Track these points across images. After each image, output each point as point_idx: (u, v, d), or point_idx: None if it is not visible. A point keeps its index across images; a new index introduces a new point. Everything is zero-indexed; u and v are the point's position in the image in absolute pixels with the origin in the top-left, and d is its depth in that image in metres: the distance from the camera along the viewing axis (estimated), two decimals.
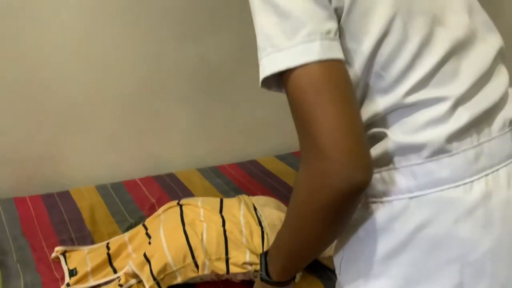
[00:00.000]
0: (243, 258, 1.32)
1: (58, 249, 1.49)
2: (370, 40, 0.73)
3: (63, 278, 1.40)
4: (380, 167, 0.78)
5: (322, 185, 0.68)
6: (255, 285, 0.95)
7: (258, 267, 1.30)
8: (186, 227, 1.37)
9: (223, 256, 1.33)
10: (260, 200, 1.52)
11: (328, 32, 0.69)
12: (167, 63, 2.06)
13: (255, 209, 1.46)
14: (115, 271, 1.41)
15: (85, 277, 1.38)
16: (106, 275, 1.39)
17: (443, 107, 0.75)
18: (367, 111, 0.77)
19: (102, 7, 1.88)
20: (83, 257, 1.46)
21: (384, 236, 0.79)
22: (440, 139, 0.75)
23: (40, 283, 1.38)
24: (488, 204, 0.77)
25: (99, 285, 1.37)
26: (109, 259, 1.44)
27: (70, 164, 2.01)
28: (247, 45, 2.18)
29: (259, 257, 1.26)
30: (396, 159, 0.77)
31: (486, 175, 0.78)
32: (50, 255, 1.49)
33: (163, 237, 1.36)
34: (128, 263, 1.37)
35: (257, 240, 1.34)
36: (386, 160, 0.78)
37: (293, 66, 0.67)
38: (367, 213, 0.80)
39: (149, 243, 1.41)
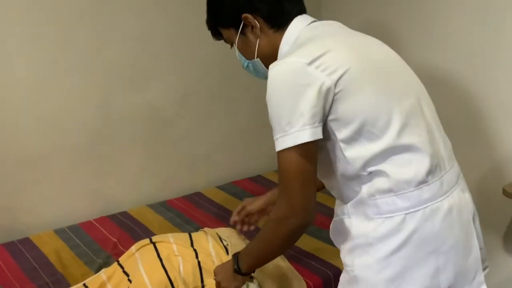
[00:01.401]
0: None
1: None
2: (360, 114, 1.14)
3: None
4: (385, 194, 1.16)
5: (286, 223, 1.18)
6: (226, 272, 1.38)
7: None
8: (164, 262, 1.56)
9: (199, 284, 1.53)
10: (224, 232, 1.74)
11: (314, 123, 1.11)
12: (115, 110, 2.21)
13: (220, 239, 1.68)
14: None
15: None
16: None
17: (418, 153, 1.16)
18: (366, 152, 1.15)
19: (54, 59, 2.01)
20: None
21: (388, 240, 1.16)
22: (422, 175, 1.16)
23: None
24: (451, 214, 1.18)
25: None
26: None
27: (26, 211, 2.09)
28: (187, 90, 2.44)
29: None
30: (396, 188, 1.16)
31: (447, 196, 1.20)
32: None
33: (144, 273, 1.53)
34: None
35: None
36: (389, 190, 1.16)
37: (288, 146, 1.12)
38: (375, 225, 1.18)
39: (129, 280, 1.57)
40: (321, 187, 1.44)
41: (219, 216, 2.24)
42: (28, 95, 2.00)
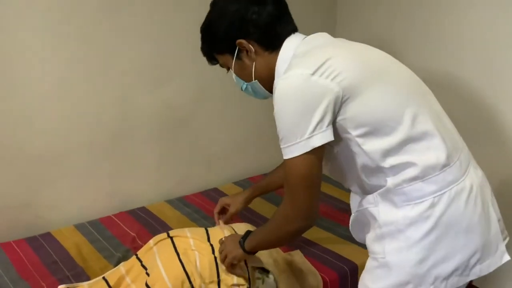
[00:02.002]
0: (232, 281, 1.55)
1: (61, 287, 1.64)
2: (373, 113, 1.19)
3: None
4: (412, 181, 1.20)
5: (290, 223, 1.28)
6: (233, 242, 1.49)
7: None
8: (181, 256, 1.58)
9: (215, 279, 1.55)
10: (240, 227, 1.76)
11: (322, 127, 1.15)
12: (134, 108, 2.25)
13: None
14: None
15: None
16: None
17: (433, 138, 1.21)
18: (385, 144, 1.19)
19: (73, 58, 2.04)
20: None
21: (418, 225, 1.21)
22: (444, 158, 1.21)
23: None
24: (472, 192, 1.24)
25: None
26: None
27: (48, 207, 2.14)
28: (204, 87, 2.45)
29: (246, 276, 1.53)
30: (422, 174, 1.20)
31: (467, 174, 1.25)
32: None
33: (162, 267, 1.56)
34: None
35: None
36: (416, 177, 1.20)
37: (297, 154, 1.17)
38: (404, 212, 1.22)
39: (147, 273, 1.60)
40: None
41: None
42: (49, 94, 2.04)
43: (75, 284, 1.67)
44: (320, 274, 1.76)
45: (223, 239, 1.56)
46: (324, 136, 1.16)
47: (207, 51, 1.39)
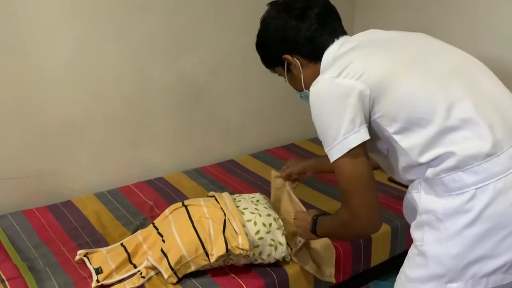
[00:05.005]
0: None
1: (81, 252, 1.70)
2: (403, 106, 1.17)
3: (90, 277, 1.61)
4: (451, 171, 1.14)
5: (350, 228, 1.28)
6: (305, 226, 1.51)
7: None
8: (195, 224, 1.62)
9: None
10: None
11: (354, 127, 1.17)
12: (151, 80, 2.28)
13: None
14: (135, 266, 1.64)
15: (110, 273, 1.61)
16: (128, 271, 1.63)
17: (475, 126, 1.12)
18: (421, 138, 1.16)
19: (93, 30, 2.07)
20: (104, 257, 1.68)
21: (457, 217, 1.14)
22: (488, 147, 1.11)
23: (71, 282, 1.59)
24: None
25: (124, 279, 1.60)
26: (129, 257, 1.67)
27: (69, 176, 2.20)
28: (220, 59, 2.46)
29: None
30: (462, 164, 1.13)
31: None
32: (73, 258, 1.70)
33: (176, 234, 1.61)
34: (147, 258, 1.62)
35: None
36: (455, 166, 1.13)
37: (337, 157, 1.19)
38: (445, 202, 1.17)
39: (163, 240, 1.65)
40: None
41: (251, 183, 2.30)
42: (69, 67, 2.07)
43: (94, 249, 1.73)
44: (334, 245, 1.78)
45: (293, 216, 1.60)
46: (358, 136, 1.18)
47: (264, 65, 1.47)
